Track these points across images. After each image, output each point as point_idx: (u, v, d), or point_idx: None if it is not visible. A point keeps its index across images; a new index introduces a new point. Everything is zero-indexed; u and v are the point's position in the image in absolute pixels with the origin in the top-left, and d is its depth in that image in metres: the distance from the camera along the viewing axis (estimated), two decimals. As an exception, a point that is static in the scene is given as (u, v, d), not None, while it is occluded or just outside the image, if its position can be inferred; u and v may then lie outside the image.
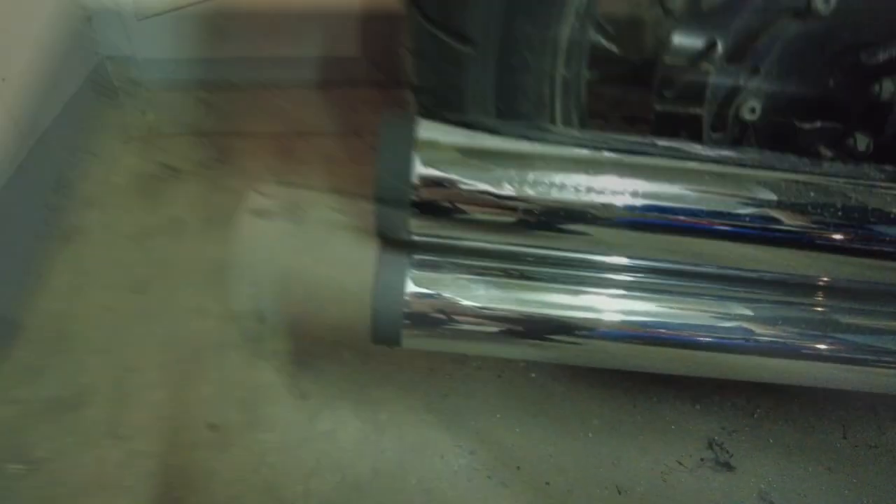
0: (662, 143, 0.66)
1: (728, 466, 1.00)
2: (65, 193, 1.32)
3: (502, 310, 0.59)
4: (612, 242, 0.58)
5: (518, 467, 0.99)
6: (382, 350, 1.12)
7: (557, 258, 0.62)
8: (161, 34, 1.49)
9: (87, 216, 1.29)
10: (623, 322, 0.66)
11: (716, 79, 0.79)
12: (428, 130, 0.54)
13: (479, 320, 0.59)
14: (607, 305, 0.66)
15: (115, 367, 1.06)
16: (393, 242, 0.58)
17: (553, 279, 0.61)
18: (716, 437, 1.04)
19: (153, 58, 1.54)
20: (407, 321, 0.58)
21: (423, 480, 0.96)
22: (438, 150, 0.53)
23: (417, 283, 0.58)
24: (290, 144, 1.48)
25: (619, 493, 0.97)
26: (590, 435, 1.03)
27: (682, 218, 0.58)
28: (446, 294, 0.59)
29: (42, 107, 1.22)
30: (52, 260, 1.21)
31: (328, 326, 1.14)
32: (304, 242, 1.27)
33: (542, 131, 0.59)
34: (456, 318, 0.59)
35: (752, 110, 0.79)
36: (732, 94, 0.79)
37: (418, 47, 0.82)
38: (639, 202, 0.56)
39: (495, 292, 0.59)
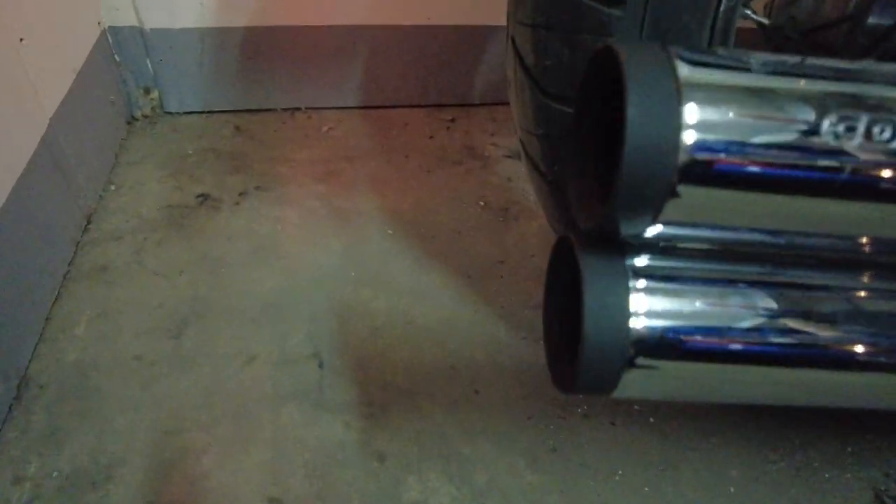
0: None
1: (911, 525, 0.77)
2: (87, 228, 1.09)
3: (773, 337, 0.37)
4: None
5: (657, 538, 0.75)
6: (467, 397, 0.88)
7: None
8: (188, 58, 1.29)
9: (112, 251, 1.05)
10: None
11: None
12: (691, 67, 0.32)
13: (736, 353, 0.37)
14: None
15: (149, 429, 0.81)
16: (596, 244, 0.37)
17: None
18: (881, 487, 0.80)
19: (179, 83, 1.33)
20: (631, 356, 0.36)
21: (544, 561, 0.71)
22: (712, 90, 0.31)
23: (645, 302, 0.36)
24: (336, 168, 1.26)
25: (785, 565, 0.73)
26: (731, 490, 0.79)
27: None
28: (689, 317, 0.36)
29: (66, 134, 1.00)
30: (73, 302, 0.97)
31: (400, 369, 0.90)
32: (361, 272, 1.04)
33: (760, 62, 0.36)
34: (704, 351, 0.37)
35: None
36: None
37: (547, 18, 0.61)
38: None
39: (758, 308, 0.37)
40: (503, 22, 1.34)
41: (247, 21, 1.25)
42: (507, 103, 1.49)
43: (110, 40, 1.23)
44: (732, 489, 0.79)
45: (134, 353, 0.90)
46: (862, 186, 0.33)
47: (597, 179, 0.37)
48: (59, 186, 1.00)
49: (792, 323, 0.36)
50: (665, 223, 0.34)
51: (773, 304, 0.36)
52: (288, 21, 1.26)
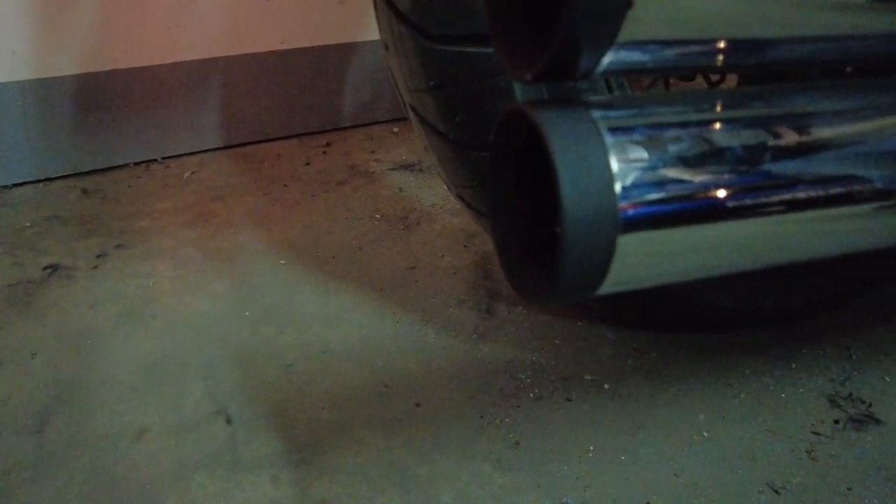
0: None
1: (872, 419, 0.74)
2: None
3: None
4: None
5: (648, 503, 0.65)
6: (408, 413, 0.75)
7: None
8: (7, 118, 1.09)
9: (-68, 352, 0.82)
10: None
11: None
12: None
13: (735, 204, 0.29)
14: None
15: (12, 555, 0.60)
16: (549, 103, 0.28)
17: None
18: (831, 392, 0.78)
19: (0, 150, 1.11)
20: (629, 224, 0.27)
21: (540, 569, 0.59)
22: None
23: (625, 158, 0.27)
24: (206, 210, 1.10)
25: (777, 491, 0.66)
26: (705, 434, 0.73)
27: None
28: (678, 169, 0.28)
29: None
30: None
31: (325, 403, 0.76)
32: (257, 310, 0.89)
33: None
34: (701, 208, 0.29)
35: None
36: None
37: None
38: None
39: (744, 145, 0.29)
40: (362, 38, 1.28)
41: (78, 67, 1.08)
42: (383, 121, 1.42)
43: None
44: (706, 433, 0.73)
45: (-21, 464, 0.68)
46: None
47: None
48: None
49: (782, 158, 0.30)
50: (620, 46, 0.26)
51: (759, 138, 0.30)
52: (127, 63, 1.11)
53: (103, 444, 0.71)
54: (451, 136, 0.62)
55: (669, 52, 0.28)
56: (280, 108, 1.28)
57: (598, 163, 0.27)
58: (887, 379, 0.80)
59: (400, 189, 1.17)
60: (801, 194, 0.30)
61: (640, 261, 0.29)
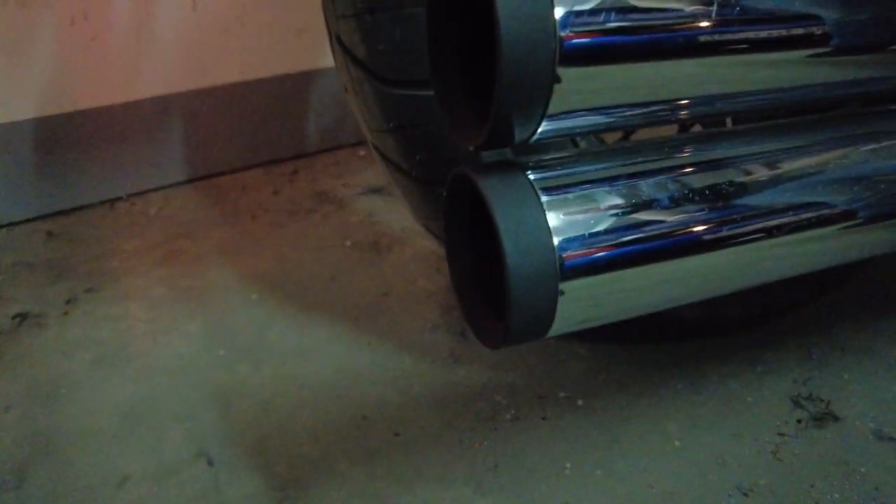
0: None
1: (831, 416, 0.78)
2: None
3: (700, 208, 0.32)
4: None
5: (624, 517, 0.68)
6: (388, 443, 0.78)
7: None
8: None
9: None
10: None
11: None
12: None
13: (665, 245, 0.32)
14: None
15: None
16: (491, 170, 0.31)
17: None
18: (794, 393, 0.82)
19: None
20: (563, 276, 0.30)
21: (523, 589, 0.62)
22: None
23: (561, 214, 0.30)
24: (175, 247, 1.11)
25: (745, 494, 0.70)
26: (676, 443, 0.76)
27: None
28: (611, 220, 0.31)
29: None
30: None
31: (305, 438, 0.77)
32: (231, 349, 0.90)
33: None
34: (633, 253, 0.32)
35: None
36: None
37: (370, 2, 0.58)
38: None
39: (673, 194, 0.32)
40: (322, 65, 1.31)
41: (36, 111, 1.08)
42: (348, 145, 1.44)
43: None
44: (678, 442, 0.76)
45: (-44, 527, 0.68)
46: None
47: (473, 91, 0.32)
48: None
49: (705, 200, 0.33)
50: (552, 117, 0.30)
51: (682, 185, 0.33)
52: (87, 104, 1.12)
53: (85, 494, 0.71)
54: (414, 174, 0.65)
55: (600, 117, 0.32)
56: (244, 138, 1.29)
57: (536, 221, 0.30)
58: (845, 376, 0.84)
59: (369, 214, 1.20)
60: (720, 233, 0.34)
61: (583, 304, 0.32)
